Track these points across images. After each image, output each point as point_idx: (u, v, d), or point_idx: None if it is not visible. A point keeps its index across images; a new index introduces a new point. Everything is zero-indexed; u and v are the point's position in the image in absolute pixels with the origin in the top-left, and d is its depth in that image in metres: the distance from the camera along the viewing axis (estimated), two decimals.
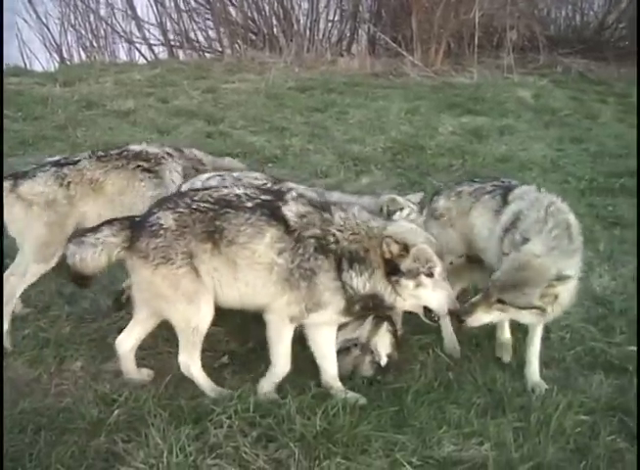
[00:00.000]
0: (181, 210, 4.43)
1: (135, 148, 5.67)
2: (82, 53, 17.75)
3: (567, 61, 16.35)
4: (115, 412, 4.29)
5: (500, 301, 4.48)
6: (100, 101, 11.28)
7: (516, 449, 4.11)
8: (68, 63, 17.07)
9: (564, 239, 4.61)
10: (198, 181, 5.25)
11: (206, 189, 4.73)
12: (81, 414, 4.30)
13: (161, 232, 4.37)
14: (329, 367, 4.72)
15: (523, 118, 11.45)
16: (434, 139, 10.19)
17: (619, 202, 8.15)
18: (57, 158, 5.73)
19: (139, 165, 5.49)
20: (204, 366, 4.60)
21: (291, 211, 4.42)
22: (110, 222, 4.59)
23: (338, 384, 4.68)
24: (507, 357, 5.16)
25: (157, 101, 11.64)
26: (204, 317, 4.48)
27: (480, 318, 4.57)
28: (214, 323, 4.60)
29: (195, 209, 4.42)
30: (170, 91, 12.28)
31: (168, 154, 5.67)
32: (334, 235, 4.38)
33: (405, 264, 4.28)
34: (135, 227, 4.48)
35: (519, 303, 4.48)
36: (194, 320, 4.46)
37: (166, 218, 4.41)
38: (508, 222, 4.88)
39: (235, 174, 5.34)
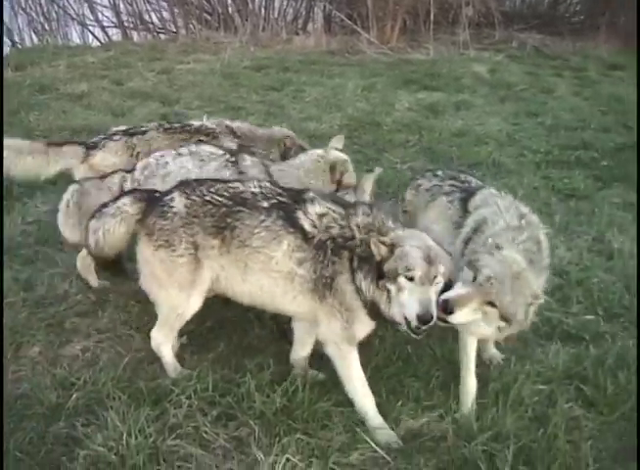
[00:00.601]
0: (195, 198, 4.34)
1: (195, 123, 6.05)
2: (34, 36, 17.41)
3: (522, 36, 16.50)
4: (74, 396, 4.26)
5: (492, 303, 3.97)
6: (53, 84, 11.12)
7: (475, 420, 4.14)
8: (20, 46, 16.75)
9: (537, 255, 4.27)
10: (152, 159, 5.18)
11: (226, 182, 4.53)
12: (39, 400, 4.26)
13: (170, 215, 4.30)
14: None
15: (478, 94, 11.50)
16: (390, 115, 10.21)
17: (575, 174, 8.22)
18: (123, 127, 6.00)
19: (200, 139, 5.77)
20: None
21: (309, 215, 4.25)
22: (130, 192, 4.63)
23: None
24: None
25: (111, 83, 11.51)
26: (191, 306, 4.43)
27: (467, 316, 4.01)
28: None
29: (208, 200, 4.32)
30: (125, 73, 12.15)
31: (223, 130, 6.01)
32: (351, 230, 4.19)
33: (387, 265, 4.00)
34: (150, 202, 4.43)
35: (509, 311, 3.96)
36: (181, 308, 4.42)
37: (179, 202, 4.33)
38: (470, 233, 4.56)
39: (192, 148, 5.27)
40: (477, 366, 4.53)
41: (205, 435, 4.02)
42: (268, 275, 4.24)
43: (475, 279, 4.01)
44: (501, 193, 4.82)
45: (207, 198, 4.33)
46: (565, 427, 4.08)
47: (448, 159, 8.41)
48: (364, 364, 4.29)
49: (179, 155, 5.11)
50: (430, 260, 3.97)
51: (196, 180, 4.61)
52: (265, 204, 4.28)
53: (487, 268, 4.00)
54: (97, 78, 11.70)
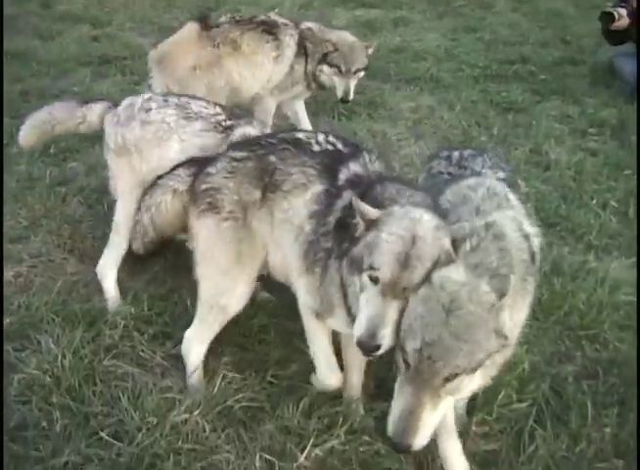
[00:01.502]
0: (247, 149, 3.74)
1: (261, 16, 6.38)
2: None
3: None
4: (7, 321, 4.19)
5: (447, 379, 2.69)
6: None
7: None
8: None
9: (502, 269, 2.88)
10: (139, 99, 4.57)
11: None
12: None
13: (214, 172, 3.73)
14: None
15: (416, 10, 11.31)
16: None
17: (513, 88, 8.19)
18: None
19: (264, 30, 6.22)
20: None
21: (349, 171, 3.43)
22: (185, 164, 4.04)
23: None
24: None
25: (39, 6, 11.03)
26: (237, 296, 3.77)
27: (432, 428, 2.78)
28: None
29: (258, 144, 3.74)
30: None
31: (285, 23, 6.35)
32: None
33: (356, 249, 3.03)
34: (200, 167, 3.86)
35: (472, 367, 2.70)
36: (224, 296, 3.75)
37: (226, 157, 3.76)
38: None
39: (182, 100, 4.54)
40: None
41: (141, 354, 4.01)
42: (284, 228, 3.55)
43: (405, 365, 2.76)
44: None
45: (257, 143, 3.77)
46: None
47: (386, 75, 8.31)
48: None
49: (165, 103, 4.66)
50: (405, 263, 2.82)
51: (246, 138, 4.10)
52: (317, 148, 3.58)
53: (412, 340, 2.70)
54: (24, 1, 11.21)
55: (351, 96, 6.51)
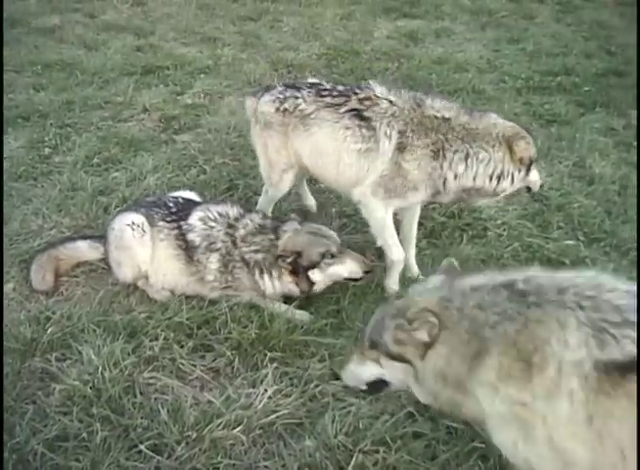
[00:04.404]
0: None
1: (357, 88, 4.79)
2: None
3: None
4: (49, 331, 4.23)
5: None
6: (24, 18, 10.80)
7: None
8: None
9: None
10: None
11: None
12: (14, 335, 4.22)
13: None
14: None
15: (459, 21, 11.27)
16: (369, 44, 9.99)
17: (556, 100, 8.11)
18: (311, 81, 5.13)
19: (352, 109, 4.67)
20: None
21: None
22: None
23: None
24: None
25: (84, 16, 11.19)
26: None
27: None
28: None
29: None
30: (98, 5, 11.79)
31: (391, 100, 4.64)
32: None
33: None
34: None
35: None
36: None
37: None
38: None
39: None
40: None
41: (181, 366, 4.02)
42: None
43: None
44: None
45: None
46: None
47: (427, 86, 8.28)
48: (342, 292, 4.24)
49: None
50: None
51: None
52: None
53: None
54: (69, 12, 11.36)
55: None
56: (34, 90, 8.04)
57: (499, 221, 5.37)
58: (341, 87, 4.87)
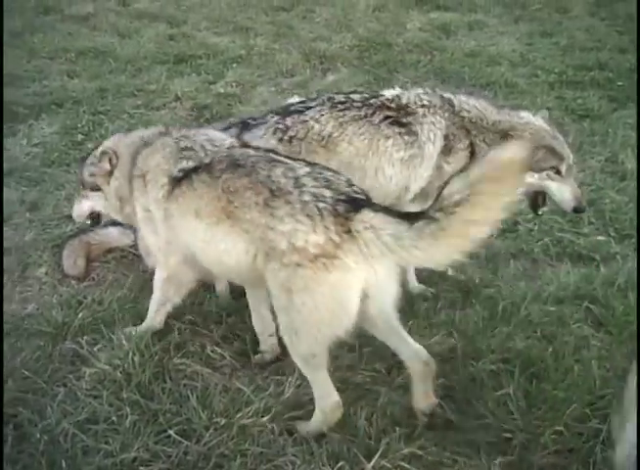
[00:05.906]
0: None
1: (385, 93, 4.54)
2: None
3: None
4: (80, 315, 4.28)
5: None
6: (57, 6, 10.91)
7: (483, 339, 4.12)
8: None
9: None
10: None
11: None
12: (46, 319, 4.29)
13: None
14: None
15: (492, 13, 11.19)
16: (401, 36, 9.95)
17: (589, 94, 8.03)
18: (293, 102, 4.75)
19: (387, 116, 4.39)
20: None
21: None
22: None
23: None
24: None
25: (117, 4, 11.26)
26: None
27: None
28: None
29: None
30: None
31: (427, 104, 4.45)
32: None
33: None
34: None
35: None
36: None
37: None
38: None
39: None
40: (487, 286, 4.52)
41: (210, 353, 4.04)
42: None
43: None
44: None
45: None
46: (573, 346, 4.07)
47: (460, 79, 8.25)
48: None
49: None
50: None
51: None
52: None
53: None
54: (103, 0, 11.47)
55: None
56: (68, 77, 8.14)
57: (530, 215, 5.33)
58: (356, 96, 4.52)
